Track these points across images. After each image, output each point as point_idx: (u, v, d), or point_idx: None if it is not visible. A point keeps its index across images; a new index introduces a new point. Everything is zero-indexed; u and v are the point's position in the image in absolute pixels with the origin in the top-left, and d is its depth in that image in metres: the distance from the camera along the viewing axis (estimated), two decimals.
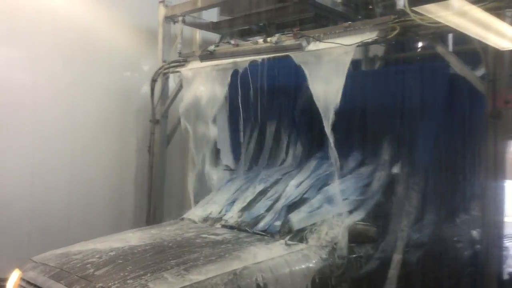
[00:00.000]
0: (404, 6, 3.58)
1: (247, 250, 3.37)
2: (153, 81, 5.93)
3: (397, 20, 3.83)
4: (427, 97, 4.14)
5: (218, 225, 4.15)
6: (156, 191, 5.96)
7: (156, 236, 3.80)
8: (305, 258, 3.40)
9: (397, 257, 3.81)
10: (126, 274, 2.96)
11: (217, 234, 3.83)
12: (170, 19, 6.00)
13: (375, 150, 4.40)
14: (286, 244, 3.51)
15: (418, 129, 4.18)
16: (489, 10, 3.23)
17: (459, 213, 4.63)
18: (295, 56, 4.21)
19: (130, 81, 6.39)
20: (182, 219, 4.52)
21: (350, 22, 4.13)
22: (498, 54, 3.59)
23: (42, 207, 5.39)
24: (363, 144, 4.54)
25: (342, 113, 3.91)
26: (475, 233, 4.70)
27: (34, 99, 5.34)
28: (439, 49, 3.86)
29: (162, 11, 6.03)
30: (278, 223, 3.90)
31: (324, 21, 5.46)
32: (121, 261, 3.18)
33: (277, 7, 5.39)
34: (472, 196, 4.63)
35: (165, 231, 3.98)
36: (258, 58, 4.56)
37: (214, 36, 6.98)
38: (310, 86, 4.04)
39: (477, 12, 3.10)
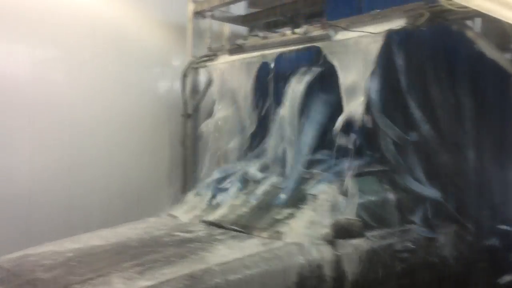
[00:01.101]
0: None
1: (216, 249, 3.13)
2: (184, 76, 6.05)
3: (426, 6, 3.80)
4: None
5: (197, 221, 3.93)
6: (190, 185, 6.09)
7: (123, 235, 3.59)
8: (280, 257, 3.12)
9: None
10: (73, 277, 2.78)
11: (190, 232, 3.59)
12: (199, 14, 6.10)
13: None
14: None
15: None
16: None
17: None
18: (323, 46, 4.22)
19: (161, 77, 6.53)
20: (170, 215, 4.28)
21: (378, 10, 4.11)
22: None
23: (80, 202, 5.60)
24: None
25: None
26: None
27: (71, 98, 5.54)
28: (469, 33, 3.82)
29: (191, 7, 6.13)
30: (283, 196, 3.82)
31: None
32: (74, 263, 3.03)
33: None
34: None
35: (137, 229, 3.76)
36: (287, 49, 4.60)
37: (243, 29, 7.05)
38: (339, 76, 4.05)
39: None
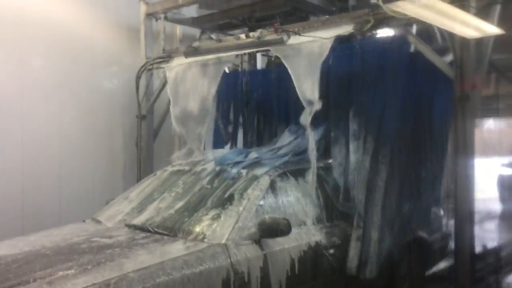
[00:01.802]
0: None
1: (135, 255, 2.99)
2: (138, 77, 6.08)
3: (371, 13, 4.09)
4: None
5: (122, 225, 3.74)
6: None
7: (38, 243, 3.38)
8: (203, 260, 3.03)
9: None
10: None
11: (110, 237, 3.41)
12: (151, 16, 6.15)
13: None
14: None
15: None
16: (454, 2, 3.52)
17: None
18: (276, 50, 4.42)
19: (115, 78, 6.50)
20: (94, 219, 4.10)
21: (327, 16, 4.36)
22: (464, 42, 3.89)
23: (33, 208, 5.50)
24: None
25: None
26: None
27: (21, 101, 5.43)
28: (411, 38, 4.15)
29: (143, 9, 6.17)
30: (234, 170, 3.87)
31: (302, 14, 5.69)
32: None
33: (255, 1, 5.57)
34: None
35: (53, 236, 3.59)
36: (242, 52, 4.76)
37: (194, 31, 7.14)
38: (293, 78, 4.28)
39: (443, 4, 3.37)
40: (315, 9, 5.26)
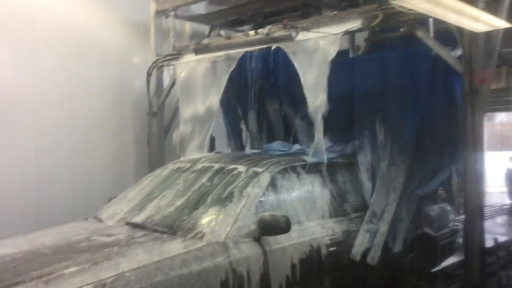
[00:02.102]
0: None
1: (133, 253, 2.96)
2: (148, 75, 6.13)
3: (379, 8, 4.10)
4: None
5: (122, 224, 3.71)
6: None
7: (37, 242, 3.37)
8: (201, 258, 2.99)
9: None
10: None
11: (110, 235, 3.39)
12: (161, 13, 6.20)
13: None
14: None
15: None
16: None
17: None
18: (285, 46, 4.45)
19: (125, 75, 6.56)
20: (95, 217, 4.08)
21: (336, 12, 4.38)
22: (473, 36, 3.88)
23: (47, 204, 5.58)
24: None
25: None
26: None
27: (34, 98, 5.52)
28: (419, 33, 4.15)
29: (153, 6, 6.21)
30: None
31: (311, 9, 5.71)
32: None
33: None
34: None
35: (54, 234, 3.57)
36: (251, 49, 4.79)
37: (204, 28, 7.19)
38: (300, 75, 4.31)
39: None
40: (326, 5, 5.28)
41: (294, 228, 3.41)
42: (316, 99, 4.15)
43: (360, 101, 4.61)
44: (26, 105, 5.46)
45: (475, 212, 4.00)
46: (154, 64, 6.08)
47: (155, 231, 3.42)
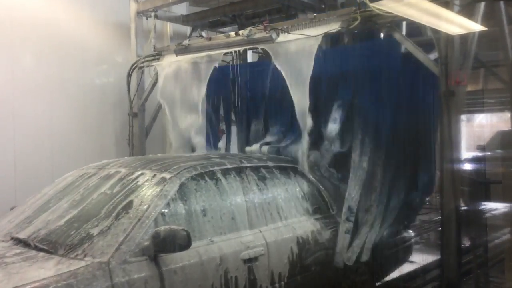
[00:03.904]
0: None
1: None
2: (129, 75, 6.11)
3: (358, 11, 4.16)
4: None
5: (7, 238, 3.16)
6: None
7: None
8: (72, 285, 2.49)
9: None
10: None
11: None
12: (142, 14, 6.18)
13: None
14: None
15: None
16: (438, 1, 3.60)
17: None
18: (267, 48, 4.48)
19: (106, 76, 6.55)
20: None
21: (315, 14, 4.42)
22: (449, 39, 3.96)
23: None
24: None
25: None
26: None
27: (12, 99, 5.47)
28: (397, 36, 4.21)
29: (133, 7, 6.20)
30: None
31: (291, 11, 5.76)
32: None
33: None
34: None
35: None
36: (231, 50, 4.81)
37: (185, 29, 7.19)
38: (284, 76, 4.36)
39: (428, 3, 3.45)
40: (305, 7, 5.33)
41: (200, 243, 3.06)
42: (302, 99, 4.20)
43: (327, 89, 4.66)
44: (4, 106, 5.41)
45: (451, 212, 4.07)
46: (135, 65, 6.07)
47: (36, 248, 2.90)
